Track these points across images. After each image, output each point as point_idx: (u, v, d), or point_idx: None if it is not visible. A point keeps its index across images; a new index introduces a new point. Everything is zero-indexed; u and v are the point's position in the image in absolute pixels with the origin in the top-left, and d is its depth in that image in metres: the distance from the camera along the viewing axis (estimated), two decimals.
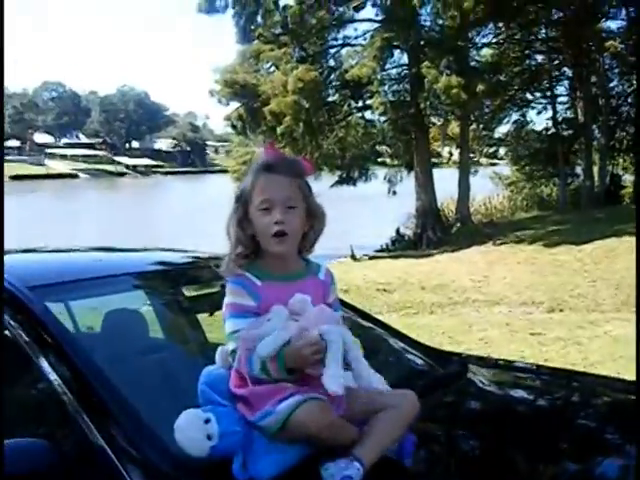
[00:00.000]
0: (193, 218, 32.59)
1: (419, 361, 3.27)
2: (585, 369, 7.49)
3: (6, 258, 2.83)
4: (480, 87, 21.80)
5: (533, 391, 3.22)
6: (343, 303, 2.69)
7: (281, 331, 2.19)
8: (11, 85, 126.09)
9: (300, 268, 2.43)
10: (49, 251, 3.98)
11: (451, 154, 33.74)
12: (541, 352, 8.37)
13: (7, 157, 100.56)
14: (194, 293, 3.39)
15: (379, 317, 4.35)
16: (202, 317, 3.40)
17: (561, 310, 11.73)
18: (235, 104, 25.48)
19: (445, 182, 25.76)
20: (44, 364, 2.39)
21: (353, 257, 20.54)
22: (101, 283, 2.99)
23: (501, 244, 19.29)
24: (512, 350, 8.46)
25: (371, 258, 21.09)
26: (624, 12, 24.66)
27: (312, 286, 2.39)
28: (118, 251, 4.04)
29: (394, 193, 26.62)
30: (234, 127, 26.08)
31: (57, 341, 2.46)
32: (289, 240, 2.33)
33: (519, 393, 3.19)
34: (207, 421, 2.15)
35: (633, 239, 14.59)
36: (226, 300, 2.33)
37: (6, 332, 2.49)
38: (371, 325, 3.51)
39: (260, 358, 2.17)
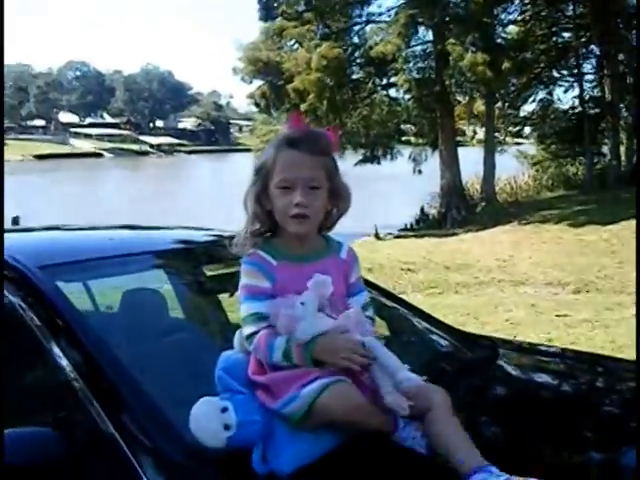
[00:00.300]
0: (216, 196, 32.56)
1: (447, 344, 3.14)
2: (612, 352, 7.35)
3: (17, 236, 2.73)
4: (506, 64, 21.56)
5: (564, 378, 3.08)
6: (366, 282, 2.53)
7: (320, 319, 2.09)
8: (36, 64, 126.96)
9: (320, 247, 2.31)
10: (69, 229, 3.84)
11: (475, 132, 33.39)
12: (567, 334, 8.23)
13: (32, 136, 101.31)
14: (215, 272, 3.26)
15: (403, 297, 4.25)
16: (224, 297, 3.28)
17: (587, 291, 11.56)
18: (258, 82, 25.43)
19: (469, 161, 25.56)
20: (54, 348, 2.27)
21: (377, 236, 20.43)
22: (116, 262, 2.86)
23: (526, 224, 19.11)
24: (538, 332, 8.33)
25: (395, 237, 20.96)
26: None
27: (333, 266, 2.27)
28: (138, 229, 3.94)
29: (419, 172, 26.39)
30: (257, 105, 26.01)
31: (67, 323, 2.33)
32: (309, 222, 2.21)
33: (551, 380, 3.03)
34: (224, 410, 2.04)
35: None
36: (241, 281, 2.23)
37: (15, 314, 2.37)
38: (396, 306, 3.37)
39: (297, 341, 2.08)
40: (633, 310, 9.45)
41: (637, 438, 2.34)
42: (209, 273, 3.21)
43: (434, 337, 3.20)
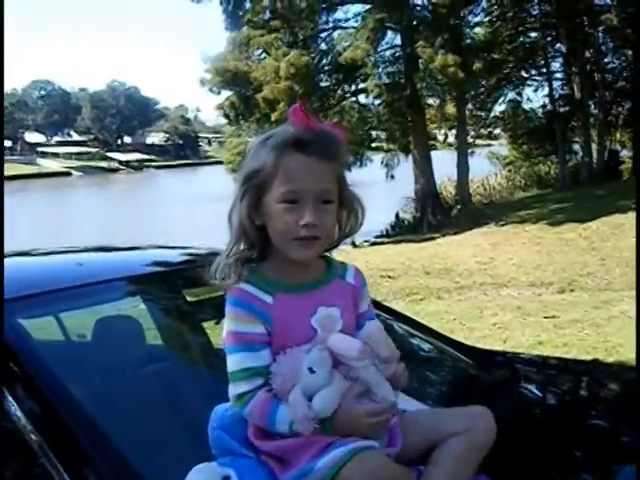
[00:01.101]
0: (186, 211, 32.26)
1: (459, 364, 2.80)
2: (606, 353, 7.20)
3: None
4: (477, 65, 21.47)
5: (594, 397, 2.79)
6: None
7: (338, 386, 1.69)
8: None
9: (321, 271, 1.88)
10: (36, 254, 3.48)
11: (446, 136, 33.34)
12: (558, 336, 8.02)
13: None
14: (196, 298, 2.88)
15: (384, 304, 3.96)
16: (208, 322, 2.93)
17: (572, 290, 11.39)
18: (227, 93, 25.16)
19: (441, 164, 25.45)
20: (8, 397, 1.89)
21: (353, 244, 20.16)
22: (87, 291, 2.47)
23: (504, 225, 18.96)
24: (528, 335, 8.15)
25: (372, 244, 20.72)
26: None
27: (339, 293, 1.85)
28: (110, 251, 3.63)
29: (392, 177, 26.22)
30: (227, 116, 25.74)
31: (23, 368, 1.97)
32: (318, 245, 1.79)
33: (584, 402, 2.72)
34: (226, 479, 1.68)
35: None
36: (227, 327, 1.79)
37: None
38: (400, 324, 3.03)
39: (317, 416, 1.66)
40: (621, 307, 9.30)
41: (637, 438, 2.17)
42: (190, 298, 2.83)
43: (444, 357, 2.85)
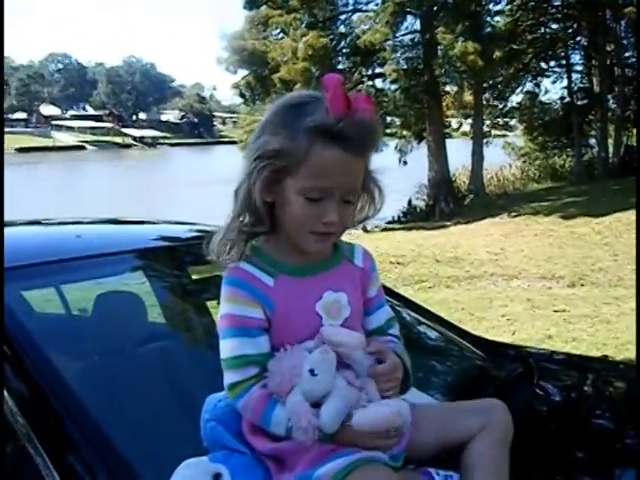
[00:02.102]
0: (198, 189, 32.21)
1: (471, 356, 2.68)
2: (617, 349, 7.11)
3: None
4: (497, 54, 21.31)
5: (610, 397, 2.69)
6: None
7: (346, 396, 1.52)
8: (17, 57, 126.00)
9: (328, 253, 1.72)
10: (48, 224, 3.38)
11: (461, 124, 33.14)
12: (567, 331, 7.94)
13: (13, 129, 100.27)
14: (201, 276, 2.76)
15: (395, 291, 3.85)
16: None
17: (582, 285, 11.27)
18: (243, 72, 25.05)
19: (456, 153, 25.31)
20: None
21: (364, 229, 20.07)
22: (83, 264, 2.33)
23: (516, 216, 18.86)
24: (537, 328, 8.06)
25: (383, 230, 20.63)
26: None
27: (347, 277, 1.71)
28: (118, 223, 3.53)
29: (405, 163, 26.07)
30: (242, 96, 25.65)
31: (12, 346, 1.81)
32: (332, 238, 1.67)
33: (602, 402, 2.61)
34: (217, 477, 1.55)
35: None
36: (222, 309, 1.64)
37: None
38: (409, 312, 2.92)
39: (322, 428, 1.51)
40: (632, 304, 9.19)
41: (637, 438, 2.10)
42: (195, 276, 2.72)
43: (456, 348, 2.74)
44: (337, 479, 1.49)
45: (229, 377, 1.60)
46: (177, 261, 2.82)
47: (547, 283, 11.48)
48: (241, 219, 1.64)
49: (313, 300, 1.63)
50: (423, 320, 2.87)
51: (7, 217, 2.62)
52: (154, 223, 3.57)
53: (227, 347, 1.61)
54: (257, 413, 1.58)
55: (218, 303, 1.79)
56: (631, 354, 6.80)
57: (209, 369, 1.83)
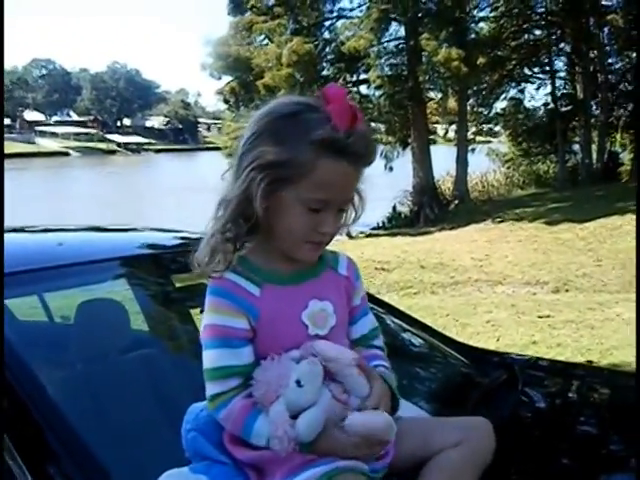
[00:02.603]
0: (183, 196, 32.15)
1: (454, 363, 2.67)
2: (601, 355, 7.13)
3: None
4: (480, 60, 21.40)
5: (596, 403, 2.68)
6: None
7: (323, 404, 1.50)
8: None
9: (313, 262, 1.70)
10: (30, 231, 3.35)
11: (447, 131, 33.28)
12: (552, 336, 7.94)
13: None
14: (184, 284, 2.72)
15: (378, 298, 3.83)
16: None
17: (567, 290, 11.32)
18: (227, 78, 25.03)
19: (440, 159, 25.37)
20: None
21: (349, 235, 20.06)
22: (63, 273, 2.30)
23: (500, 222, 18.93)
24: (522, 334, 8.06)
25: (368, 236, 20.65)
26: None
27: (332, 285, 1.70)
28: (103, 231, 3.50)
29: (390, 169, 26.10)
30: (227, 102, 25.64)
31: None
32: (323, 246, 1.66)
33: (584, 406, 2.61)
34: None
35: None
36: (205, 319, 1.61)
37: None
38: (393, 319, 2.91)
39: (298, 438, 1.48)
40: (617, 309, 9.23)
41: (637, 439, 2.06)
42: (178, 284, 2.68)
43: (440, 355, 2.72)
44: None
45: (210, 388, 1.58)
46: (160, 269, 2.80)
47: (531, 289, 11.52)
48: (228, 227, 1.60)
49: (299, 309, 1.61)
50: (406, 327, 2.85)
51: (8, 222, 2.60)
52: (138, 230, 3.54)
53: (209, 358, 1.58)
54: (238, 424, 1.55)
55: (201, 311, 1.76)
56: (615, 359, 6.83)
57: (192, 378, 1.81)
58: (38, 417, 1.73)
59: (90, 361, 2.41)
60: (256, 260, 1.64)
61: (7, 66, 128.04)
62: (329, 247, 1.74)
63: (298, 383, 1.52)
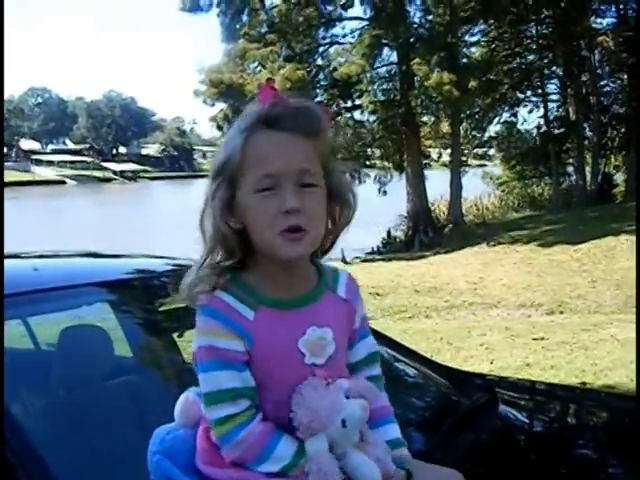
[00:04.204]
0: (179, 222, 32.13)
1: (433, 385, 2.66)
2: (595, 376, 7.09)
3: None
4: (472, 84, 21.53)
5: (578, 425, 2.67)
6: None
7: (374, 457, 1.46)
8: None
9: (312, 282, 1.60)
10: (25, 257, 3.33)
11: (440, 155, 33.39)
12: (546, 358, 7.91)
13: None
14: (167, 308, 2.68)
15: (372, 323, 3.82)
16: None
17: (561, 312, 11.33)
18: (221, 105, 25.11)
19: (435, 183, 25.44)
20: None
21: (344, 260, 20.07)
22: (33, 298, 2.25)
23: (495, 245, 18.94)
24: (516, 356, 8.03)
25: (362, 261, 20.66)
26: (614, 9, 24.44)
27: (332, 310, 1.59)
28: (93, 257, 3.50)
29: (384, 193, 26.14)
30: (220, 128, 25.71)
31: None
32: (308, 240, 1.49)
33: (561, 428, 2.59)
34: None
35: (631, 237, 14.30)
36: (199, 340, 1.51)
37: None
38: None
39: None
40: (611, 331, 9.21)
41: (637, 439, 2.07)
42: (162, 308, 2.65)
43: (419, 378, 2.70)
44: None
45: (219, 411, 1.48)
46: (142, 294, 2.78)
47: (526, 311, 11.52)
48: (212, 256, 1.53)
49: (296, 336, 1.52)
50: (388, 350, 2.83)
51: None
52: (129, 257, 3.53)
53: (212, 380, 1.49)
54: (256, 448, 1.47)
55: (179, 336, 1.71)
56: (609, 380, 6.80)
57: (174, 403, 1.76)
58: (14, 451, 1.69)
59: (72, 388, 2.38)
60: (251, 280, 1.54)
61: (4, 95, 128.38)
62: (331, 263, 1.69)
63: (343, 423, 1.47)
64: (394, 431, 1.65)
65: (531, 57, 26.73)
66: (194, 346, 1.54)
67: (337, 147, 1.62)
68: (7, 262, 2.91)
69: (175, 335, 2.63)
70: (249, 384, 1.49)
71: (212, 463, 1.53)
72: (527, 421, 2.60)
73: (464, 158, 27.64)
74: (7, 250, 3.32)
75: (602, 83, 26.49)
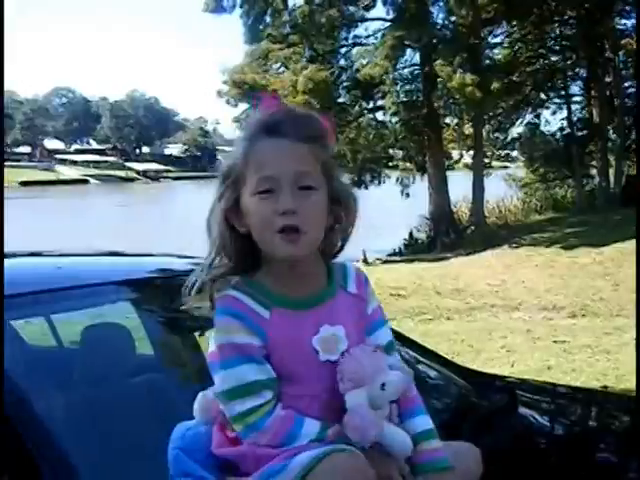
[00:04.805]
0: (200, 223, 32.22)
1: (452, 386, 2.67)
2: (616, 380, 7.06)
3: None
4: (495, 85, 21.45)
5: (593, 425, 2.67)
6: None
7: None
8: (22, 91, 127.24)
9: (323, 282, 1.67)
10: (47, 255, 3.37)
11: (462, 156, 33.31)
12: (567, 361, 7.89)
13: (17, 163, 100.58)
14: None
15: (393, 324, 3.82)
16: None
17: (584, 315, 11.24)
18: (244, 105, 25.17)
19: (457, 185, 25.37)
20: None
21: (365, 261, 20.06)
22: (57, 296, 2.28)
23: (517, 247, 18.86)
24: (537, 359, 8.01)
25: (384, 262, 20.62)
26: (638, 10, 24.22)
27: (344, 308, 1.66)
28: (117, 256, 3.54)
29: (407, 195, 26.10)
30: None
31: None
32: (304, 240, 1.56)
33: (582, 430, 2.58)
34: None
35: None
36: (218, 339, 1.58)
37: None
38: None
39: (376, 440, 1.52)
40: (633, 334, 9.13)
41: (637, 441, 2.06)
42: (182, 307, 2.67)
43: (438, 378, 2.71)
44: (311, 465, 1.44)
45: (240, 405, 1.54)
46: (164, 293, 2.80)
47: (548, 314, 11.45)
48: (218, 259, 1.63)
49: (310, 334, 1.59)
50: (407, 350, 2.84)
51: (7, 250, 2.62)
52: (151, 256, 3.57)
53: (233, 376, 1.55)
54: (282, 432, 1.53)
55: (200, 335, 1.72)
56: (631, 385, 6.75)
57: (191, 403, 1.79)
58: (32, 447, 1.71)
59: (95, 386, 2.40)
60: (263, 282, 1.61)
61: (28, 95, 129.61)
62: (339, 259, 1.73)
63: (383, 386, 1.56)
64: (426, 422, 1.70)
65: (554, 58, 26.57)
66: (212, 346, 1.61)
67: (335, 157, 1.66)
68: (30, 260, 2.96)
69: (197, 334, 2.65)
70: (270, 375, 1.56)
71: (224, 444, 1.60)
72: (546, 423, 2.61)
73: (487, 160, 27.51)
74: (30, 249, 3.36)
75: (626, 85, 26.26)
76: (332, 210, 1.63)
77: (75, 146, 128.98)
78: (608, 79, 25.54)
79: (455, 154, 30.79)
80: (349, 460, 1.45)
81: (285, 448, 1.51)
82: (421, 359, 2.80)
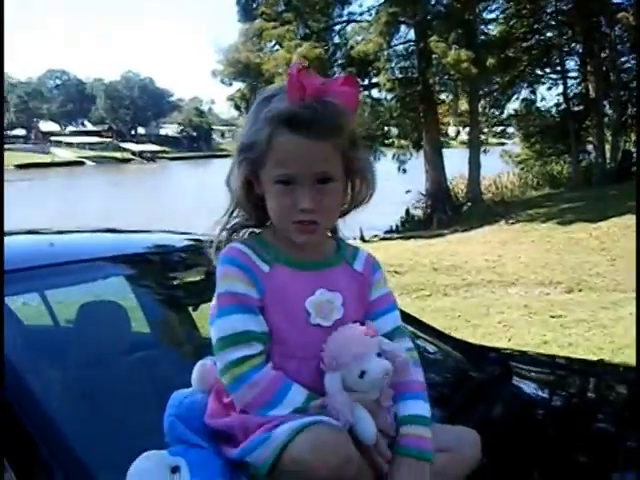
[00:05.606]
0: (198, 202, 32.23)
1: (446, 357, 2.68)
2: (612, 354, 7.10)
3: None
4: (490, 61, 21.38)
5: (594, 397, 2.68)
6: None
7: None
8: (15, 74, 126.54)
9: (329, 251, 1.70)
10: (42, 233, 3.37)
11: (458, 132, 33.22)
12: (564, 336, 7.92)
13: (13, 146, 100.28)
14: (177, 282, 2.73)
15: None
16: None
17: (580, 290, 11.25)
18: (238, 84, 25.10)
19: (453, 161, 25.33)
20: None
21: (362, 239, 20.07)
22: (46, 272, 2.26)
23: (514, 223, 18.86)
24: (533, 334, 8.04)
25: (381, 239, 20.65)
26: None
27: (345, 279, 1.66)
28: (114, 232, 3.53)
29: (404, 171, 26.05)
30: (237, 108, 25.72)
31: None
32: (320, 230, 1.61)
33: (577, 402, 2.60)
34: (175, 469, 1.49)
35: None
36: (220, 287, 1.58)
37: None
38: None
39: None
40: (630, 309, 9.17)
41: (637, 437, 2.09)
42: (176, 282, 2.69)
43: (436, 353, 2.72)
44: (292, 435, 1.43)
45: (234, 353, 1.54)
46: (159, 268, 2.81)
47: (544, 289, 11.46)
48: (234, 212, 1.68)
49: (304, 295, 1.59)
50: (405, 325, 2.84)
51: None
52: (146, 232, 3.56)
53: (228, 324, 1.56)
54: (268, 392, 1.52)
55: (195, 310, 1.74)
56: (627, 358, 6.79)
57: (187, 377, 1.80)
58: (29, 425, 1.73)
59: (91, 364, 2.40)
60: (269, 240, 1.65)
61: (22, 77, 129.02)
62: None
63: (362, 374, 1.54)
64: (418, 407, 1.67)
65: (550, 34, 26.45)
66: (213, 299, 1.62)
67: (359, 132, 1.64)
68: (23, 238, 2.95)
69: (190, 309, 2.66)
70: (263, 329, 1.56)
71: (216, 416, 1.60)
72: (540, 393, 2.62)
73: (483, 137, 27.45)
74: (24, 227, 3.34)
75: (622, 60, 26.18)
76: (349, 182, 1.66)
77: (70, 128, 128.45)
78: (604, 54, 25.44)
79: (451, 131, 30.73)
80: (330, 434, 1.44)
81: (270, 416, 1.51)
82: (419, 333, 2.80)
